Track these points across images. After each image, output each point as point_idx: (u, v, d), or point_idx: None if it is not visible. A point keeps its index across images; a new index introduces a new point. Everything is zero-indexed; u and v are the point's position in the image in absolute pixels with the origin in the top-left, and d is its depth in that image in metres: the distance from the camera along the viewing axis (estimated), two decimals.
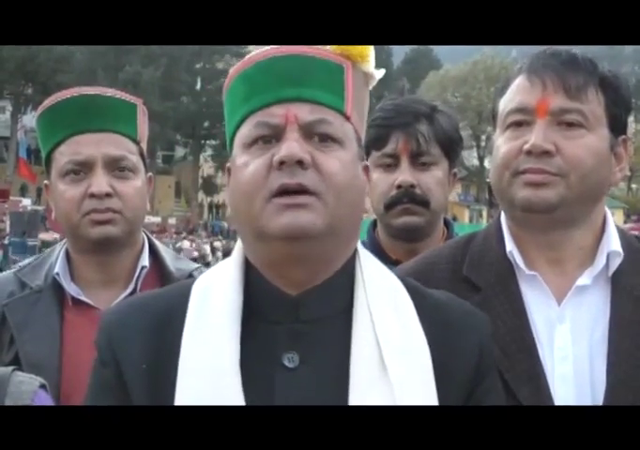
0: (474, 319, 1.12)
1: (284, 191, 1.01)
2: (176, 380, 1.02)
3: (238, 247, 1.13)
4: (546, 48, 1.33)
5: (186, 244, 26.85)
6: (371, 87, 1.16)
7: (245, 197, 1.04)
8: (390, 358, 1.02)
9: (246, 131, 1.06)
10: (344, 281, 1.09)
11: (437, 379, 1.03)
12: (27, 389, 1.11)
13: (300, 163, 1.01)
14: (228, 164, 1.12)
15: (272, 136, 1.04)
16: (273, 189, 1.01)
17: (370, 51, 1.11)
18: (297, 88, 1.05)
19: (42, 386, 1.14)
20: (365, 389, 1.00)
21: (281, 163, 1.01)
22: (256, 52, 1.10)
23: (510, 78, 1.35)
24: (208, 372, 1.01)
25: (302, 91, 1.05)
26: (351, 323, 1.05)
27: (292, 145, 1.01)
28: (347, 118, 1.08)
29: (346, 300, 1.08)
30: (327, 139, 1.05)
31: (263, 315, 1.07)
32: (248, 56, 1.10)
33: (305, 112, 1.04)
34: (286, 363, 1.03)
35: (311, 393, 1.01)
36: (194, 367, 1.02)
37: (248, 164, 1.04)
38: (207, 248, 27.50)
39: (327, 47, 1.10)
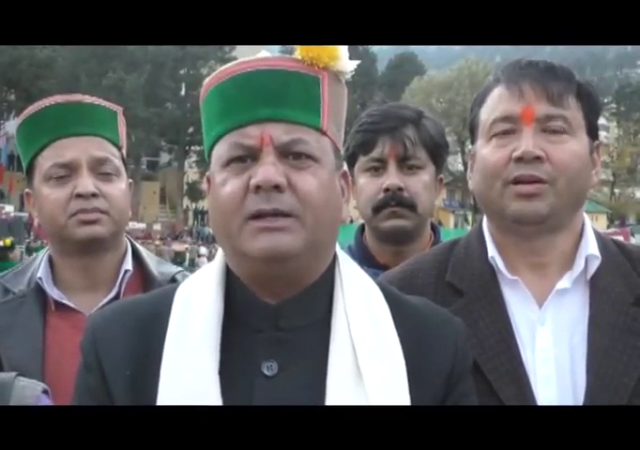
0: (449, 326, 1.13)
1: (261, 215, 1.02)
2: (158, 386, 1.02)
3: (220, 252, 1.14)
4: (520, 58, 1.35)
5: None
6: (345, 79, 1.13)
7: (223, 216, 1.05)
8: (366, 365, 1.03)
9: (222, 150, 1.07)
10: (324, 289, 1.10)
11: (411, 385, 1.04)
12: (30, 394, 1.13)
13: (277, 187, 1.01)
14: (208, 174, 1.13)
15: (248, 156, 1.04)
16: (250, 213, 1.02)
17: (339, 51, 1.08)
18: (272, 108, 1.04)
19: (45, 391, 1.16)
20: (341, 396, 1.01)
21: (258, 187, 1.02)
22: (230, 64, 1.10)
23: (487, 88, 1.37)
24: (188, 380, 1.02)
25: (277, 111, 1.04)
26: (329, 331, 1.06)
27: (268, 170, 1.02)
28: (323, 133, 1.08)
29: (325, 307, 1.09)
30: (302, 156, 1.05)
31: (244, 322, 1.08)
32: (222, 68, 1.10)
33: (280, 133, 1.04)
34: (265, 371, 1.04)
35: (289, 400, 1.01)
36: (175, 374, 1.02)
37: (225, 183, 1.05)
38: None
39: (298, 51, 1.08)
